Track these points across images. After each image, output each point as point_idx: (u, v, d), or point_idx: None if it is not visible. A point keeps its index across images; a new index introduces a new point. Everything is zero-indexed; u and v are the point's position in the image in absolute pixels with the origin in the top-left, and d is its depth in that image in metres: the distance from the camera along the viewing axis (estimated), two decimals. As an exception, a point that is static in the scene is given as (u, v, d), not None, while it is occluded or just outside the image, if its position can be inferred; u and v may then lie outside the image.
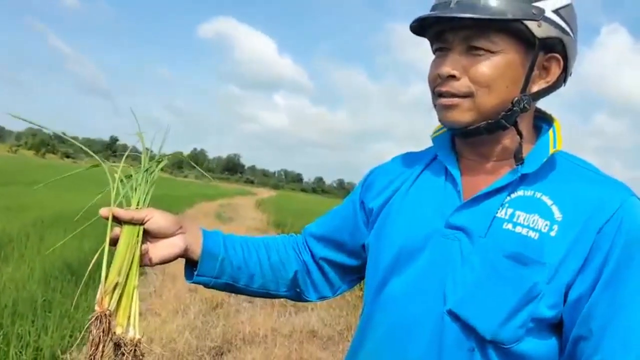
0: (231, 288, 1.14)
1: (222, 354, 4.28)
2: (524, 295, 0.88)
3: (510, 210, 0.93)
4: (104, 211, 0.97)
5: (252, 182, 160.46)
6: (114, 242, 0.98)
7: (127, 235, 0.97)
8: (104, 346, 0.87)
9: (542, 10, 0.91)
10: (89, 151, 1.08)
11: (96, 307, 0.90)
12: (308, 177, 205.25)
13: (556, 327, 0.92)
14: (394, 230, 1.04)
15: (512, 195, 0.95)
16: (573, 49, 0.98)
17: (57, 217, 8.82)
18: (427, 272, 0.96)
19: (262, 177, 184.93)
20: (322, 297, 1.23)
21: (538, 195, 0.93)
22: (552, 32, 0.92)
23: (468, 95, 0.93)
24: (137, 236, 0.98)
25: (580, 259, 0.87)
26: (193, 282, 1.10)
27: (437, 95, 0.98)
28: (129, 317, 0.93)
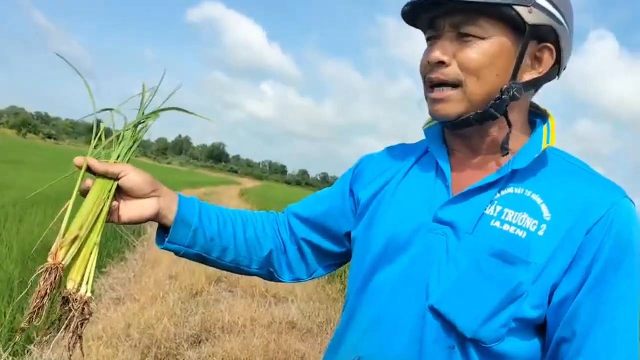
0: (202, 259, 1.11)
1: (200, 342, 4.26)
2: (508, 295, 0.87)
3: (499, 208, 0.92)
4: (78, 160, 0.95)
5: (236, 172, 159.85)
6: (84, 194, 0.95)
7: (98, 189, 0.94)
8: (49, 300, 0.83)
9: None
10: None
11: (49, 259, 0.86)
12: (292, 169, 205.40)
13: (539, 328, 0.91)
14: (382, 223, 1.03)
15: (502, 192, 0.93)
16: (567, 41, 0.96)
17: (38, 197, 8.71)
18: (412, 267, 0.96)
19: (247, 168, 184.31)
20: (297, 279, 1.21)
21: (528, 193, 0.92)
22: (544, 20, 0.91)
23: (457, 84, 0.92)
24: (109, 191, 0.95)
25: (567, 260, 0.87)
26: (164, 249, 1.07)
27: (428, 84, 0.97)
28: (84, 274, 0.89)
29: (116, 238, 6.88)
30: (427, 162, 1.06)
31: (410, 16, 0.98)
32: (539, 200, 0.91)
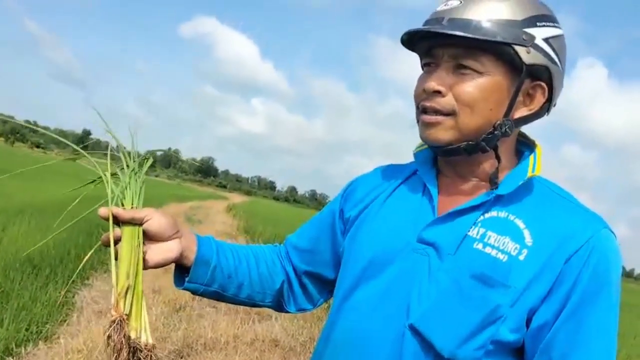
0: (218, 296, 1.12)
1: (181, 358, 4.21)
2: (486, 317, 0.88)
3: (482, 230, 0.93)
4: (103, 211, 0.95)
5: (224, 187, 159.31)
6: (107, 244, 0.96)
7: (128, 236, 0.94)
8: (125, 351, 0.85)
9: (532, 37, 0.92)
10: (80, 151, 1.04)
11: (112, 312, 0.87)
12: (281, 185, 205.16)
13: (517, 351, 0.92)
14: (365, 240, 1.04)
15: (486, 215, 0.95)
16: (559, 80, 0.98)
17: (23, 207, 8.62)
18: (394, 285, 0.96)
19: (235, 182, 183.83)
20: (302, 309, 1.23)
21: (512, 217, 0.93)
22: (540, 60, 0.93)
23: (451, 113, 0.94)
24: (138, 237, 0.95)
25: (546, 287, 0.88)
26: (183, 289, 1.08)
27: (421, 110, 0.98)
28: (140, 321, 0.90)
29: (100, 249, 6.78)
30: (414, 183, 1.07)
31: (410, 41, 1.00)
32: (521, 225, 0.92)
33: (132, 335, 0.88)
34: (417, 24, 0.97)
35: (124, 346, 0.85)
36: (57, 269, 5.34)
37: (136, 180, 1.01)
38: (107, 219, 0.95)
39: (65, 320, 4.49)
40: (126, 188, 0.99)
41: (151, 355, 0.88)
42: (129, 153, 1.04)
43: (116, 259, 0.94)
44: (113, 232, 0.95)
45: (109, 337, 0.85)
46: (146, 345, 0.88)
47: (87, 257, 0.90)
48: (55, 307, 4.52)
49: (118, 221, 0.95)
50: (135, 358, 0.87)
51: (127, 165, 1.02)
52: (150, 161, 1.06)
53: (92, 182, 1.03)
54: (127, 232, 0.95)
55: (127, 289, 0.90)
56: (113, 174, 1.01)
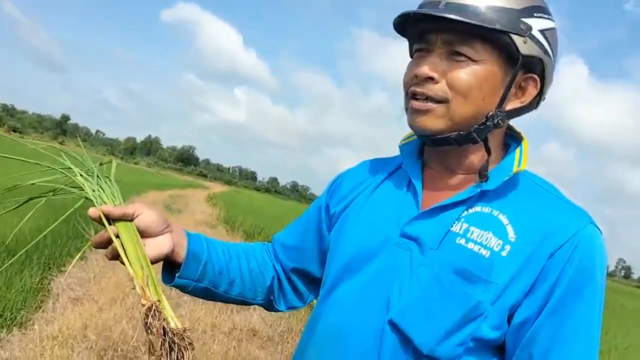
0: (208, 293, 1.09)
1: (158, 347, 4.19)
2: (467, 313, 0.86)
3: (465, 225, 0.92)
4: (93, 212, 0.92)
5: (205, 176, 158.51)
6: (99, 246, 0.94)
7: (125, 231, 0.93)
8: (168, 337, 0.84)
9: (529, 27, 0.90)
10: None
11: (142, 301, 0.86)
12: (262, 176, 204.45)
13: (498, 349, 0.91)
14: (349, 235, 1.03)
15: (470, 211, 0.93)
16: (551, 73, 0.96)
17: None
18: (375, 280, 0.95)
19: (216, 172, 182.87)
20: (292, 307, 1.21)
21: (495, 213, 0.92)
22: (535, 51, 0.91)
23: (443, 101, 0.91)
24: (135, 231, 0.94)
25: (528, 282, 0.86)
26: (173, 285, 1.05)
27: (410, 96, 0.95)
28: (166, 309, 0.89)
29: (77, 236, 6.73)
30: (399, 177, 1.05)
31: (403, 25, 0.97)
32: (505, 221, 0.91)
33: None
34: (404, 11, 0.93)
35: (167, 331, 0.84)
36: (32, 254, 5.27)
37: (106, 183, 1.00)
38: (97, 219, 0.93)
39: (40, 307, 4.44)
40: (101, 190, 0.98)
41: (186, 339, 0.86)
42: (86, 160, 1.02)
43: (117, 258, 0.93)
44: (102, 233, 0.94)
45: (149, 325, 0.84)
46: (179, 330, 0.86)
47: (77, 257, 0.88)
48: (31, 293, 4.46)
49: (109, 220, 0.94)
50: (172, 342, 0.85)
51: (91, 173, 1.00)
52: (114, 164, 1.05)
53: (53, 192, 1.01)
54: (122, 227, 0.93)
55: (147, 278, 0.89)
56: (82, 175, 0.99)
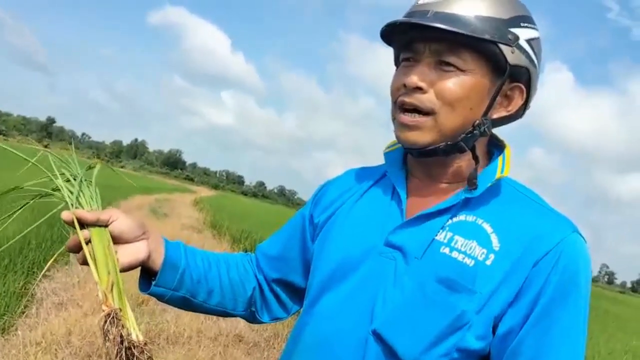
0: (187, 303, 1.07)
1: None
2: (451, 323, 0.86)
3: (449, 234, 0.91)
4: (66, 215, 0.91)
5: (192, 180, 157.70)
6: (72, 249, 0.93)
7: (97, 237, 0.92)
8: (125, 345, 0.83)
9: (517, 37, 0.90)
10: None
11: (103, 307, 0.85)
12: (250, 180, 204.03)
13: (483, 359, 0.90)
14: (333, 245, 1.02)
15: (454, 219, 0.93)
16: (536, 82, 0.97)
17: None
18: (359, 290, 0.95)
19: (203, 176, 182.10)
20: (276, 319, 1.19)
21: (479, 221, 0.92)
22: (523, 61, 0.92)
23: (430, 112, 0.91)
24: (107, 237, 0.93)
25: (512, 292, 0.86)
26: (149, 294, 1.03)
27: (398, 106, 0.94)
28: (128, 318, 0.88)
29: (62, 241, 6.66)
30: (384, 186, 1.05)
31: (388, 34, 0.96)
32: (489, 229, 0.90)
33: (124, 332, 0.85)
34: (390, 20, 0.92)
35: (124, 339, 0.83)
36: (16, 259, 5.21)
37: (87, 186, 0.99)
38: (70, 223, 0.92)
39: (24, 312, 4.39)
40: (79, 195, 0.97)
41: (145, 352, 0.85)
42: (74, 162, 1.02)
43: (87, 263, 0.92)
44: (75, 237, 0.93)
45: (106, 331, 0.83)
46: (139, 342, 0.85)
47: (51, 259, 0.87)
48: (14, 298, 4.41)
49: (82, 225, 0.92)
50: (129, 354, 0.84)
51: (74, 177, 0.99)
52: (98, 167, 1.04)
53: (30, 201, 1.00)
54: (95, 232, 0.92)
55: (112, 285, 0.88)
56: (67, 181, 0.99)
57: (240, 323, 5.35)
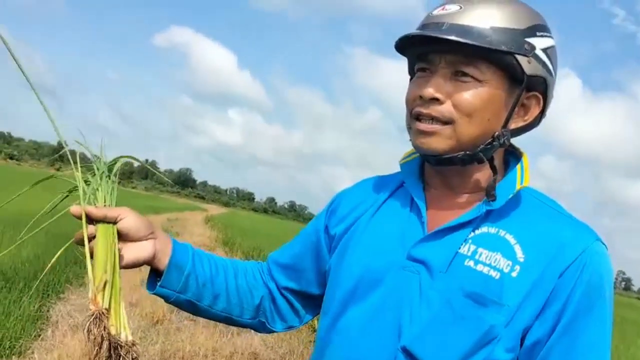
0: (193, 307, 1.07)
1: (159, 372, 4.15)
2: (481, 338, 0.85)
3: (473, 247, 0.90)
4: (75, 209, 0.91)
5: (203, 198, 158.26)
6: (80, 242, 0.93)
7: (102, 234, 0.92)
8: (106, 346, 0.82)
9: (533, 47, 0.90)
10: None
11: (90, 306, 0.84)
12: (260, 196, 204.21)
13: None
14: (353, 259, 1.01)
15: (477, 232, 0.92)
16: (552, 91, 0.96)
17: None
18: (384, 305, 0.93)
19: (214, 194, 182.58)
20: (290, 327, 1.18)
21: (502, 233, 0.90)
22: (540, 71, 0.91)
23: (448, 122, 0.90)
24: (113, 235, 0.93)
25: (539, 303, 0.85)
26: (155, 294, 1.03)
27: (414, 117, 0.94)
28: (120, 318, 0.87)
29: (76, 263, 6.69)
30: (401, 196, 1.03)
31: (403, 46, 0.95)
32: (512, 241, 0.89)
33: (113, 331, 0.85)
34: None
35: (105, 340, 0.82)
36: (31, 282, 5.23)
37: (107, 182, 0.99)
38: (79, 217, 0.92)
39: (39, 335, 4.39)
40: (97, 189, 0.97)
41: (132, 352, 0.85)
42: (99, 158, 1.01)
43: (91, 257, 0.91)
44: (81, 232, 0.92)
45: (88, 331, 0.82)
46: (126, 342, 0.85)
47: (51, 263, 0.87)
48: (29, 321, 4.42)
49: (92, 220, 0.93)
50: (115, 354, 0.84)
51: (97, 169, 1.00)
52: (120, 162, 1.03)
53: (67, 193, 1.01)
54: (101, 229, 0.92)
55: (105, 283, 0.87)
56: (86, 181, 0.99)
57: (255, 340, 5.33)
